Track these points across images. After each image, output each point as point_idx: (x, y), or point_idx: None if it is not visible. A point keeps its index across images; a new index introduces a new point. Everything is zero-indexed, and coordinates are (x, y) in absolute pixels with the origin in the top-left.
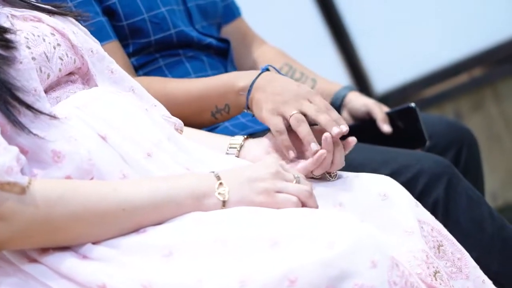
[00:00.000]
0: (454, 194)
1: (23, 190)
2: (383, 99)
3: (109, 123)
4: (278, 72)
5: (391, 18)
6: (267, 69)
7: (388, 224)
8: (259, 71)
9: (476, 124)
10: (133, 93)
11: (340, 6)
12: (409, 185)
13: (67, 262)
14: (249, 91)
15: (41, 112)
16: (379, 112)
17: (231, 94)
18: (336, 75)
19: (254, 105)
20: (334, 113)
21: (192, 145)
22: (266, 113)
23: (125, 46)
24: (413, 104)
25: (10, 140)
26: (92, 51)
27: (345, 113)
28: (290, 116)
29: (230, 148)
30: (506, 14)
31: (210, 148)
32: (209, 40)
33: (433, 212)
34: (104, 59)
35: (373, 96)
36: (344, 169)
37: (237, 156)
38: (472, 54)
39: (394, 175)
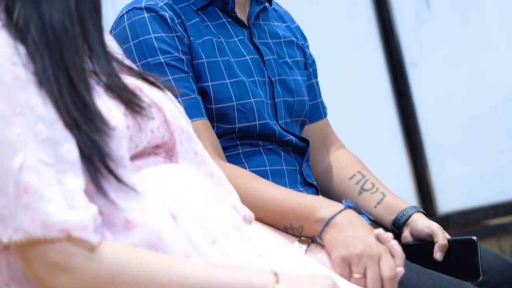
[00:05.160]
0: None
1: (92, 248)
2: (443, 219)
3: (181, 203)
4: (360, 210)
5: (467, 142)
6: (350, 207)
7: None
8: (342, 206)
9: None
10: (211, 178)
11: (420, 120)
12: None
13: None
14: (327, 223)
15: (123, 182)
16: (442, 237)
17: (309, 220)
18: (402, 187)
19: (327, 240)
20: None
21: (258, 237)
22: (337, 259)
23: None
24: (475, 238)
25: (89, 198)
26: (182, 130)
27: (407, 231)
28: (353, 275)
29: (298, 247)
30: None
31: (279, 237)
32: (290, 137)
33: None
34: (192, 140)
35: (434, 215)
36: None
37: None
38: None
39: None
